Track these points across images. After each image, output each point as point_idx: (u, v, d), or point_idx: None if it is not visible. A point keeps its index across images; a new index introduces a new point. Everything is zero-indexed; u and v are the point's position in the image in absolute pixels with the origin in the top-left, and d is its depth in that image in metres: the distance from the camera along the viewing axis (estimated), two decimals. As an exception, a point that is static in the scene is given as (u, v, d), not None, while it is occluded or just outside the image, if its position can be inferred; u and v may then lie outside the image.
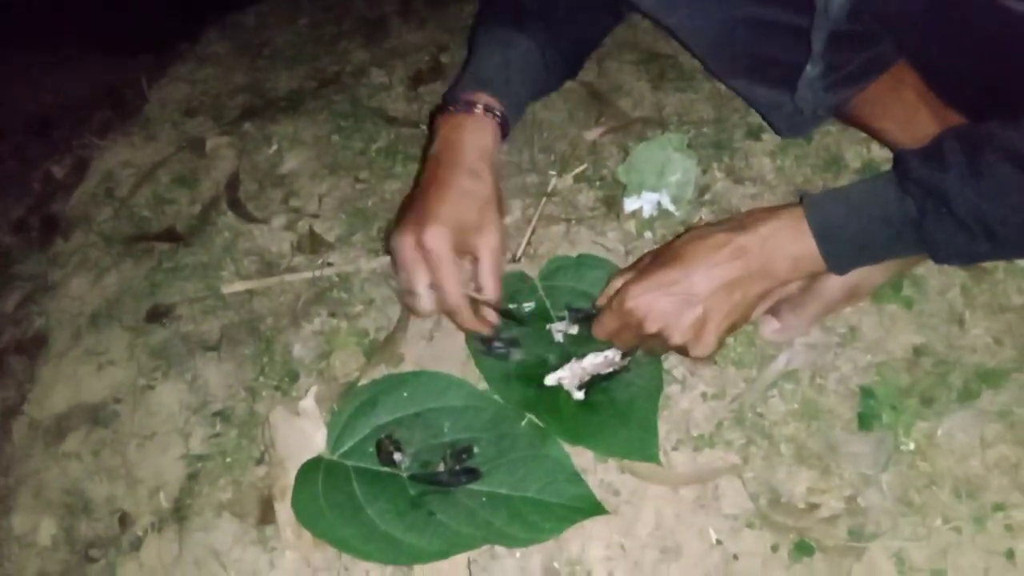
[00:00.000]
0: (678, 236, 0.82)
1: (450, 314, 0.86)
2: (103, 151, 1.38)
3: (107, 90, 1.69)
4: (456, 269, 0.82)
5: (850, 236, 0.74)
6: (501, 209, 0.86)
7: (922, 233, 0.70)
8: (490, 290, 0.85)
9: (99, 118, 1.62)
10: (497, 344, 0.89)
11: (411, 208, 0.86)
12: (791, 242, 0.75)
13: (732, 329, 0.80)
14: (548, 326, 0.91)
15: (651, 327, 0.78)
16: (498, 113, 0.89)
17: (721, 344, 0.80)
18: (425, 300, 0.83)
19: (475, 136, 0.87)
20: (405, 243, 0.82)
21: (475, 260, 0.85)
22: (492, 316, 0.87)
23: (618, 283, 0.83)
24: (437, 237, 0.81)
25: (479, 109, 0.88)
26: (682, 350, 0.80)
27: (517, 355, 0.89)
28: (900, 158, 0.73)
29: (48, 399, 1.03)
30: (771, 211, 0.78)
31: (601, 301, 0.86)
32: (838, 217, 0.74)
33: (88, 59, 1.95)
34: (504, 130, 0.91)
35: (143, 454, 0.94)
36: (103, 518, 0.91)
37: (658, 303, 0.77)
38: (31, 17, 2.05)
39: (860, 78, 0.86)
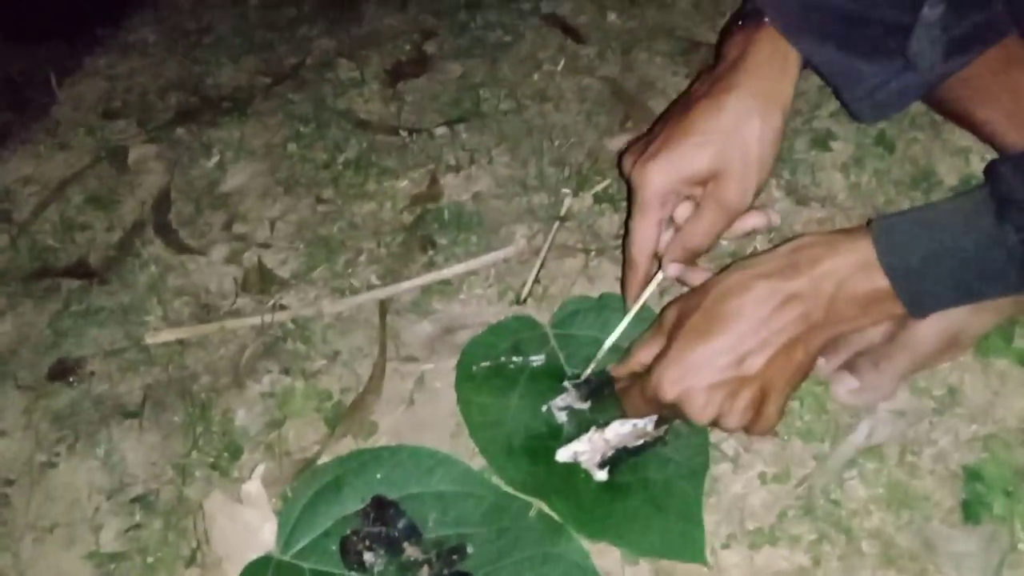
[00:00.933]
0: (710, 283, 0.81)
1: (626, 269, 0.91)
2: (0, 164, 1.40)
3: (6, 86, 1.71)
4: (657, 220, 0.87)
5: (932, 272, 0.73)
6: (772, 156, 0.86)
7: None
8: (687, 245, 0.88)
9: (-6, 120, 1.64)
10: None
11: (661, 121, 0.90)
12: (858, 281, 0.75)
13: (794, 391, 0.80)
14: (546, 404, 0.91)
15: (701, 419, 0.78)
16: None
17: (783, 413, 0.80)
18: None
19: (769, 56, 0.86)
20: (624, 164, 0.90)
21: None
22: (673, 271, 0.89)
23: (643, 356, 0.83)
24: (657, 175, 0.85)
25: (770, 20, 0.87)
26: (738, 431, 0.80)
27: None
28: (996, 172, 0.72)
29: (-79, 480, 1.02)
30: (828, 241, 0.78)
31: (622, 372, 0.86)
32: (917, 248, 0.73)
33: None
34: None
35: (41, 552, 0.93)
36: (-13, 636, 0.90)
37: (699, 390, 0.77)
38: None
39: (968, 47, 0.87)
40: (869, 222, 0.77)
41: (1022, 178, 0.71)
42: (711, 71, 0.90)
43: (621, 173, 0.92)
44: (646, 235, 0.88)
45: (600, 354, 0.90)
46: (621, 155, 0.93)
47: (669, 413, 0.81)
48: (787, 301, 0.76)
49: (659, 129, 0.89)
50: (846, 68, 0.88)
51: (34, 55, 1.70)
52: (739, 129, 0.84)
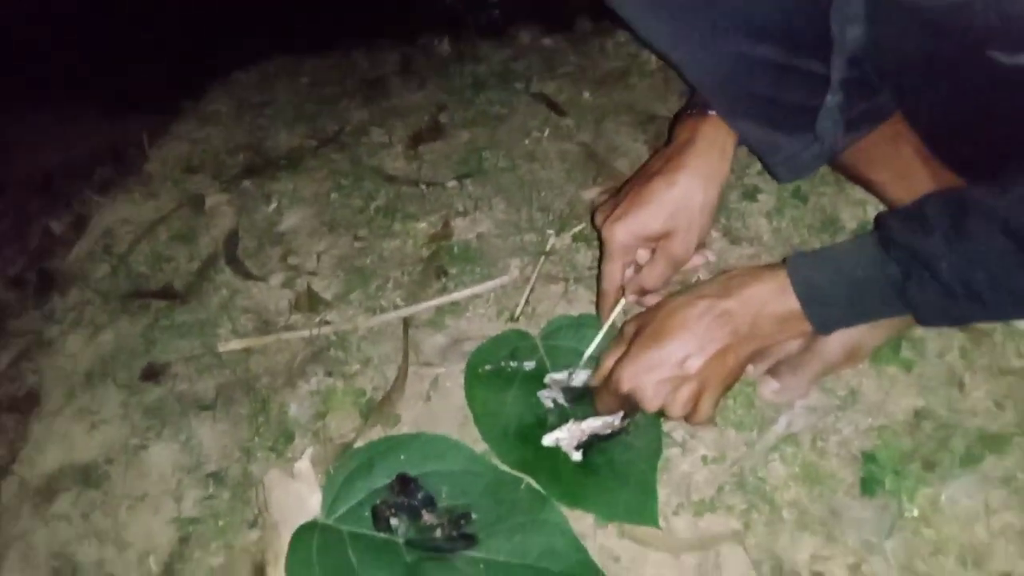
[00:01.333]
0: (662, 303, 0.82)
1: (599, 298, 0.92)
2: (102, 208, 1.39)
3: (108, 147, 1.70)
4: (621, 265, 0.89)
5: (833, 297, 0.74)
6: (709, 219, 0.88)
7: (906, 296, 0.70)
8: (647, 284, 0.89)
9: (99, 175, 1.62)
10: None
11: (623, 191, 0.91)
12: (776, 303, 0.75)
13: (727, 390, 0.80)
14: (538, 393, 0.91)
15: (650, 407, 0.78)
16: None
17: (718, 408, 0.80)
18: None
19: (708, 141, 0.88)
20: (597, 219, 0.92)
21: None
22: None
23: (610, 363, 0.83)
24: (621, 233, 0.87)
25: (714, 112, 0.89)
26: (681, 420, 0.80)
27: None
28: (882, 221, 0.73)
29: (39, 458, 1.02)
30: (753, 272, 0.78)
31: (595, 381, 0.86)
32: (821, 278, 0.74)
33: (90, 116, 1.97)
34: None
35: (133, 516, 0.93)
36: (91, 583, 0.89)
37: (649, 385, 0.77)
38: (34, 73, 2.08)
39: (862, 125, 0.87)
40: (785, 259, 0.78)
41: (901, 225, 0.71)
42: (665, 149, 0.91)
43: (594, 225, 0.93)
44: (613, 276, 0.90)
45: (581, 362, 0.90)
46: (594, 210, 0.95)
47: (628, 407, 0.81)
48: (720, 316, 0.77)
49: (624, 194, 0.90)
50: (768, 141, 0.88)
51: (131, 123, 1.68)
52: (686, 200, 0.86)
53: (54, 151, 1.88)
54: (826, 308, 0.75)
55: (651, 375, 0.77)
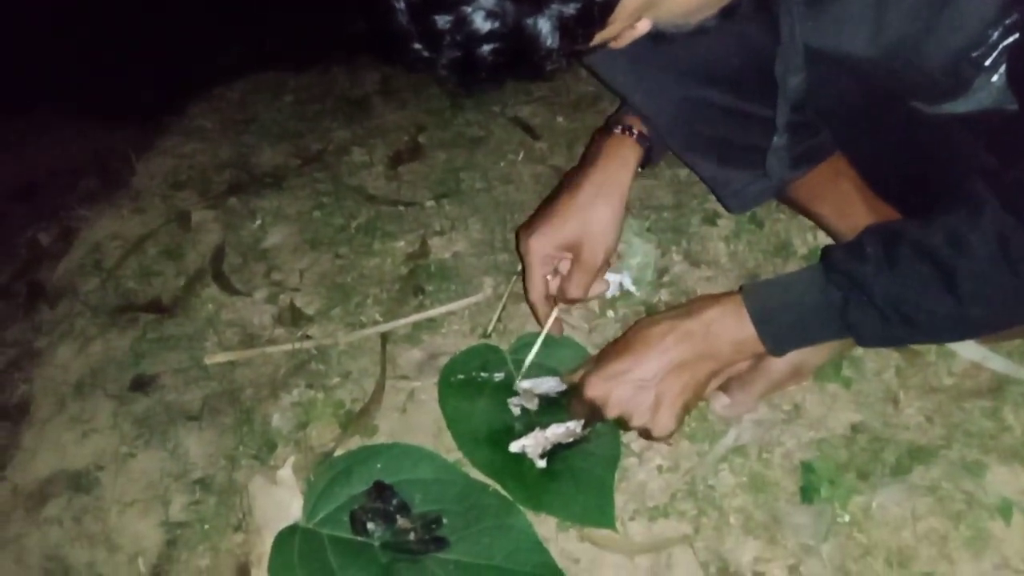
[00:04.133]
0: (631, 326, 0.89)
1: (532, 309, 0.97)
2: (91, 222, 1.43)
3: (94, 159, 1.73)
4: (541, 275, 0.95)
5: (784, 321, 0.81)
6: (616, 227, 0.94)
7: (846, 320, 0.78)
8: (571, 293, 0.94)
9: (86, 187, 1.66)
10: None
11: (538, 209, 0.97)
12: (732, 327, 0.82)
13: (687, 409, 0.86)
14: (509, 400, 0.97)
15: (611, 413, 0.85)
16: (638, 133, 0.96)
17: (680, 425, 0.86)
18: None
19: (611, 157, 0.95)
20: (518, 238, 0.96)
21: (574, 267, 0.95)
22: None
23: (580, 372, 0.90)
24: (536, 244, 0.93)
25: (619, 130, 0.96)
26: (645, 433, 0.86)
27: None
28: (826, 252, 0.81)
29: (31, 465, 1.06)
30: (714, 298, 0.85)
31: (567, 378, 0.93)
32: (773, 304, 0.82)
33: (75, 127, 2.00)
34: (649, 153, 0.97)
35: (123, 521, 0.97)
36: (82, 584, 0.94)
37: (614, 391, 0.84)
38: (19, 82, 2.10)
39: (805, 163, 0.96)
40: (742, 287, 0.85)
41: (841, 255, 0.78)
42: (576, 168, 0.99)
43: (517, 246, 1.00)
44: (536, 286, 0.96)
45: (524, 367, 0.98)
46: (517, 232, 1.01)
47: (592, 413, 0.88)
48: (680, 336, 0.83)
49: (538, 212, 0.98)
50: (719, 176, 0.96)
51: (116, 136, 1.71)
52: (592, 210, 0.93)
53: (38, 161, 1.91)
54: (777, 332, 0.82)
55: (613, 384, 0.84)
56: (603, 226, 0.93)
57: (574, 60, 0.61)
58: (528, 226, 0.96)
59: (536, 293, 0.97)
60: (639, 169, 0.97)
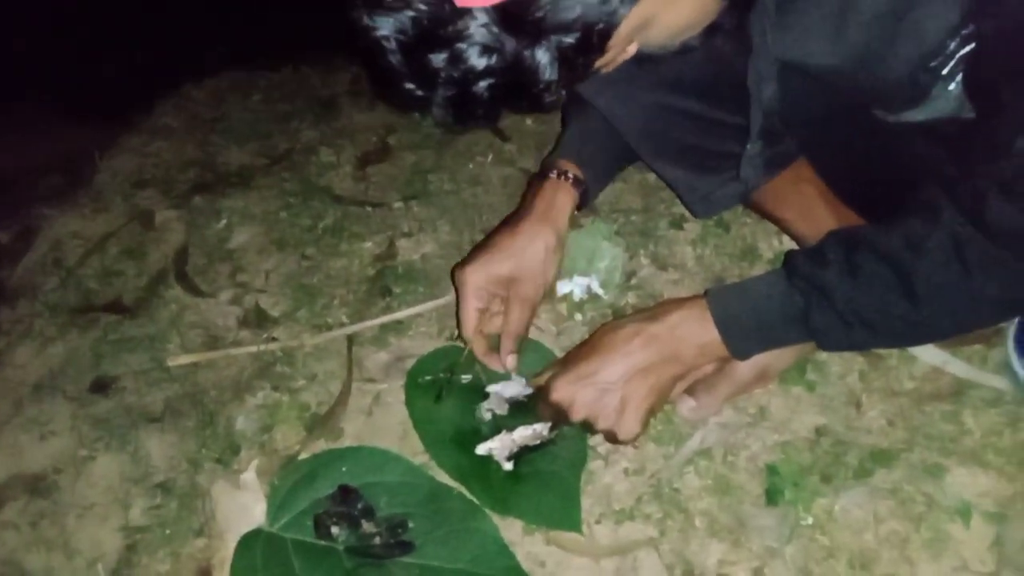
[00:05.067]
0: (597, 330, 0.89)
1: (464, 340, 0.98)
2: (52, 220, 1.40)
3: (57, 157, 1.70)
4: (475, 307, 0.95)
5: (748, 326, 0.82)
6: (552, 266, 0.96)
7: (808, 324, 0.78)
8: (506, 333, 0.95)
9: (48, 184, 1.62)
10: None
11: (476, 247, 0.99)
12: (697, 330, 0.83)
13: (652, 412, 0.86)
14: (478, 405, 0.97)
15: (577, 416, 0.85)
16: (573, 178, 0.99)
17: (645, 428, 0.86)
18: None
19: (548, 200, 0.98)
20: (453, 273, 0.97)
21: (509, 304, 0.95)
22: (510, 363, 0.96)
23: (546, 375, 0.90)
24: (472, 277, 0.94)
25: (554, 175, 0.99)
26: (610, 436, 0.86)
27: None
28: (789, 257, 0.82)
29: (-14, 469, 1.04)
30: (679, 303, 0.86)
31: (534, 381, 0.93)
32: (737, 309, 0.82)
33: (38, 124, 1.96)
34: (584, 195, 1.00)
35: (82, 525, 0.95)
36: (39, 590, 0.92)
37: (579, 394, 0.84)
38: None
39: (771, 168, 0.97)
40: (706, 292, 0.85)
41: (804, 260, 0.79)
42: (515, 211, 1.02)
43: (453, 279, 1.01)
44: (469, 317, 0.96)
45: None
46: (454, 266, 1.02)
47: (559, 417, 0.87)
48: (646, 340, 0.84)
49: (476, 248, 1.00)
50: (686, 181, 0.96)
51: (80, 133, 1.68)
52: (529, 248, 0.95)
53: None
54: (741, 336, 0.83)
55: (578, 386, 0.84)
56: (540, 263, 0.95)
57: (571, 88, 0.60)
58: (465, 261, 0.98)
59: (468, 325, 0.97)
60: (576, 211, 1.01)
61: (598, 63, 0.61)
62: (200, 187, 1.42)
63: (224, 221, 1.33)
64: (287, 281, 1.21)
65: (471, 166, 1.38)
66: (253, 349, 1.10)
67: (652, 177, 1.26)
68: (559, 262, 0.98)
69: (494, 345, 0.99)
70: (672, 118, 0.89)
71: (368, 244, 1.25)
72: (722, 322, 0.82)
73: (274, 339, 1.11)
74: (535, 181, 1.01)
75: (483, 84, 0.54)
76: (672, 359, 0.84)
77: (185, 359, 1.10)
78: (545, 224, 0.96)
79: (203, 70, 1.82)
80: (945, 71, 0.72)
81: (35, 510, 0.98)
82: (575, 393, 0.84)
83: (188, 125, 1.64)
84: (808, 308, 0.78)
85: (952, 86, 0.73)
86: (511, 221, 0.98)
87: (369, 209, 1.32)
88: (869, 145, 0.82)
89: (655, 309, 0.87)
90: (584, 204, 1.02)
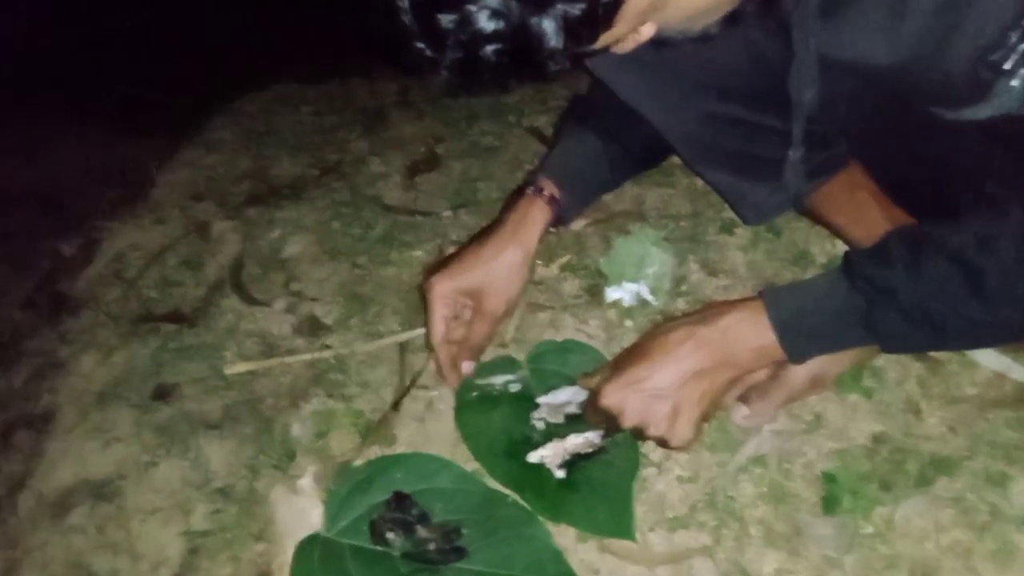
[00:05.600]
0: (649, 330, 0.88)
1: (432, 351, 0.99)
2: (112, 232, 1.44)
3: (115, 170, 1.74)
4: (442, 316, 0.96)
5: (806, 328, 0.80)
6: (518, 281, 0.97)
7: (870, 325, 0.77)
8: (470, 342, 0.96)
9: (107, 197, 1.66)
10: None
11: (447, 256, 1.01)
12: (751, 333, 0.81)
13: (705, 418, 0.85)
14: (530, 415, 0.96)
15: (628, 422, 0.84)
16: (548, 196, 1.00)
17: (698, 434, 0.85)
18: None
19: (521, 215, 0.99)
20: (424, 282, 0.99)
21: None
22: (466, 368, 0.97)
23: (596, 379, 0.90)
24: (439, 286, 0.95)
25: (531, 191, 1.00)
26: (662, 442, 0.85)
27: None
28: (848, 257, 0.80)
29: (54, 473, 1.07)
30: (732, 304, 0.85)
31: (583, 382, 0.93)
32: (795, 310, 0.81)
33: (95, 138, 2.01)
34: (558, 214, 1.01)
35: (145, 529, 0.97)
36: (105, 593, 0.94)
37: (629, 400, 0.83)
38: (42, 91, 2.12)
39: (822, 173, 0.95)
40: (761, 292, 0.83)
41: (865, 260, 0.77)
42: (490, 224, 1.03)
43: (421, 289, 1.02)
44: (437, 326, 0.98)
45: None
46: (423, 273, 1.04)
47: (608, 423, 0.86)
48: (698, 343, 0.82)
49: (446, 258, 1.02)
50: (736, 189, 0.95)
51: (137, 147, 1.72)
52: (496, 262, 0.96)
53: (58, 170, 1.92)
54: (799, 339, 0.81)
55: (629, 391, 0.83)
56: (505, 277, 0.96)
57: (578, 62, 0.61)
58: (434, 269, 0.99)
59: (436, 333, 0.98)
60: (551, 229, 1.03)
61: (609, 38, 0.61)
62: (254, 199, 1.45)
63: (278, 231, 1.35)
64: (339, 290, 1.22)
65: (518, 174, 1.38)
66: (307, 357, 1.11)
67: (700, 182, 1.25)
68: (526, 277, 0.99)
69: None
70: (720, 126, 0.89)
71: (418, 252, 1.26)
72: (779, 324, 0.81)
73: (327, 347, 1.13)
74: (513, 195, 1.02)
75: (490, 48, 0.56)
76: (725, 363, 0.83)
77: (242, 367, 1.12)
78: (512, 240, 0.97)
79: (253, 84, 1.86)
80: (1007, 65, 0.70)
81: (100, 514, 1.00)
82: (625, 400, 0.83)
83: (240, 138, 1.66)
84: (870, 308, 0.76)
85: (1015, 82, 0.71)
86: (483, 234, 0.99)
87: (418, 218, 1.33)
88: (925, 145, 0.80)
89: (707, 311, 0.86)
90: (560, 223, 1.03)
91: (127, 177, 1.68)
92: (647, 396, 0.83)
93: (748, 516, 0.87)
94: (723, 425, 0.94)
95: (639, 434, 0.86)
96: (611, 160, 1.06)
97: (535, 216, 0.98)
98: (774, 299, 0.82)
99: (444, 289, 0.96)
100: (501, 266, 0.96)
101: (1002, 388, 0.93)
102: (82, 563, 0.96)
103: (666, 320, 1.05)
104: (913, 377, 0.96)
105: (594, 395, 0.87)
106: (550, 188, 1.00)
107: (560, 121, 1.12)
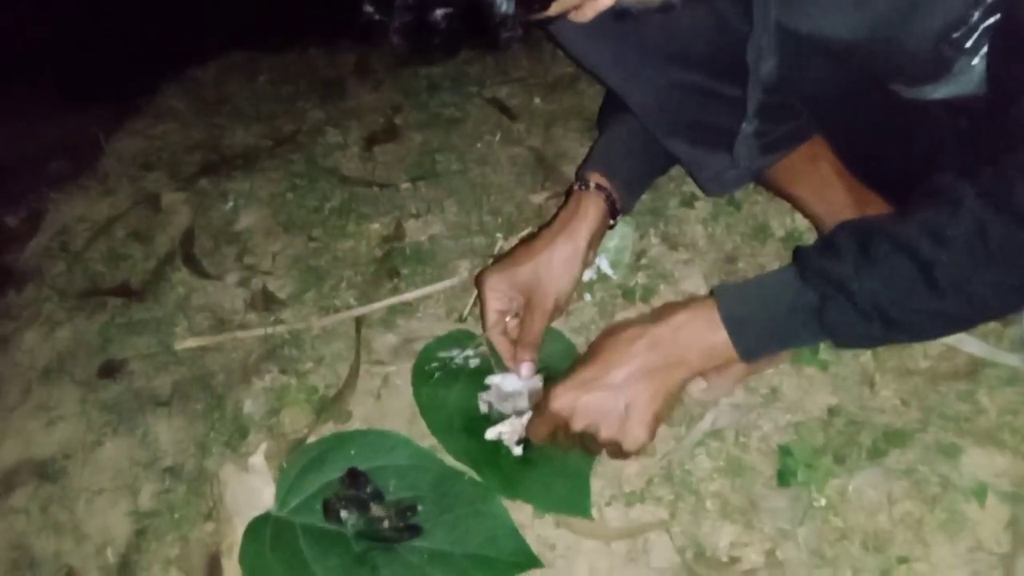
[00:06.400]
0: (599, 335, 0.86)
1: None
2: (59, 203, 1.40)
3: (64, 140, 1.69)
4: (495, 308, 0.96)
5: (758, 326, 0.78)
6: (568, 276, 0.95)
7: (823, 321, 0.75)
8: (523, 339, 0.95)
9: (54, 169, 1.61)
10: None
11: (504, 253, 1.00)
12: (703, 332, 0.79)
13: (659, 419, 0.82)
14: (479, 394, 0.95)
15: (578, 424, 0.80)
16: (595, 187, 0.98)
17: (652, 436, 0.82)
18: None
19: (571, 211, 0.97)
20: (478, 276, 0.99)
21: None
22: (525, 371, 0.94)
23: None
24: (489, 280, 0.95)
25: (578, 186, 0.98)
26: (615, 449, 0.82)
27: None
28: (799, 253, 0.78)
29: (-4, 453, 1.04)
30: (684, 304, 0.82)
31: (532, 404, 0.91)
32: (746, 309, 0.78)
33: (41, 107, 1.94)
34: (612, 204, 0.98)
35: (91, 510, 0.95)
36: (49, 574, 0.91)
37: (581, 400, 0.80)
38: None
39: (782, 145, 0.94)
40: (712, 291, 0.81)
41: (815, 254, 0.75)
42: (546, 222, 1.01)
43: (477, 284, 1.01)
44: (493, 319, 0.96)
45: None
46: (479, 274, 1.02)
47: (567, 440, 0.82)
48: (649, 342, 0.79)
49: (504, 255, 1.01)
50: (695, 159, 0.94)
51: (85, 116, 1.67)
52: (547, 257, 0.95)
53: (3, 142, 1.86)
54: (751, 337, 0.78)
55: (578, 392, 0.80)
56: (555, 274, 0.94)
57: (532, 29, 0.59)
58: (490, 267, 0.98)
59: (491, 325, 0.97)
60: (611, 222, 1.00)
61: (564, 5, 0.60)
62: (206, 169, 1.41)
63: (231, 203, 1.32)
64: (294, 263, 1.20)
65: (479, 145, 1.36)
66: (260, 332, 1.09)
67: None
68: (577, 273, 0.97)
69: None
70: (683, 94, 0.87)
71: (375, 225, 1.24)
72: (731, 323, 0.78)
73: (281, 321, 1.10)
74: (571, 192, 1.01)
75: (440, 13, 0.54)
76: (678, 362, 0.80)
77: (192, 342, 1.09)
78: (561, 235, 0.96)
79: (207, 52, 1.80)
80: (968, 44, 0.69)
81: (44, 495, 0.98)
82: (575, 400, 0.80)
83: (193, 107, 1.62)
84: (823, 304, 0.74)
85: (975, 61, 0.70)
86: (539, 232, 0.99)
87: (376, 190, 1.30)
88: (886, 121, 0.79)
89: (659, 311, 0.83)
90: (617, 214, 1.00)
91: (74, 148, 1.63)
92: (598, 396, 0.79)
93: (704, 490, 0.87)
94: (680, 399, 0.93)
95: (590, 444, 0.83)
96: (655, 140, 1.02)
97: (585, 210, 0.97)
98: (725, 297, 0.79)
99: (496, 284, 0.95)
100: (550, 261, 0.94)
101: (954, 361, 0.94)
102: (24, 545, 0.94)
103: (626, 295, 1.04)
104: (868, 350, 0.96)
105: (541, 404, 0.84)
106: (597, 179, 0.98)
107: (599, 115, 1.10)
